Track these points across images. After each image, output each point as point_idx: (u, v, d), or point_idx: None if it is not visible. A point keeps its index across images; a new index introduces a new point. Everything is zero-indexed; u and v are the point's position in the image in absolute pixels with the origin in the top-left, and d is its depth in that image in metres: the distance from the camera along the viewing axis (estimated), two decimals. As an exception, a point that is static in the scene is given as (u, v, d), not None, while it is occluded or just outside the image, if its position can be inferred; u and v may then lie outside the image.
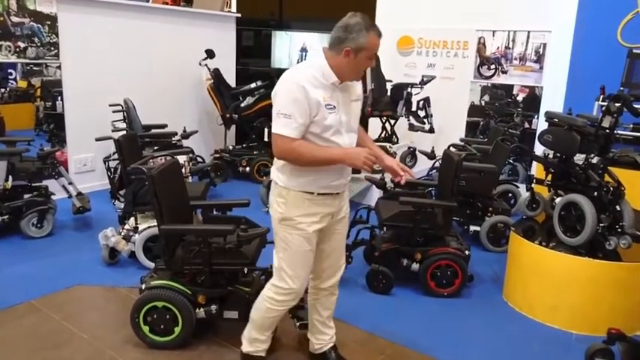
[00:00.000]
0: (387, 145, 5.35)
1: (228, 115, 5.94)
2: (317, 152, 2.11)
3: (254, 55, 7.10)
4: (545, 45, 5.35)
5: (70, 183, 4.35)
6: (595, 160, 3.07)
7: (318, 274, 2.42)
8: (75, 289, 3.30)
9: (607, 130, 3.02)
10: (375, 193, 4.85)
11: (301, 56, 7.37)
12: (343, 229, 2.40)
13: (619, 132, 3.89)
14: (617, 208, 2.96)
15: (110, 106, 4.93)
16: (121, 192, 4.11)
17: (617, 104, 2.97)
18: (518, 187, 4.87)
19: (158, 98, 5.75)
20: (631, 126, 4.18)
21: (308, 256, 2.27)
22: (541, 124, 4.98)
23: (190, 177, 4.92)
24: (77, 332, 2.81)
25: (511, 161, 5.39)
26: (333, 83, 2.10)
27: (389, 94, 5.40)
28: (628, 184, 3.01)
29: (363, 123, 6.12)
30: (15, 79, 4.73)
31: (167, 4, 5.97)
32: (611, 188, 2.98)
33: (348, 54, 2.04)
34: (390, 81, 5.49)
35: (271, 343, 2.68)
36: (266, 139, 5.73)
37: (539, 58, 5.41)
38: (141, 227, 3.57)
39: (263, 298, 2.35)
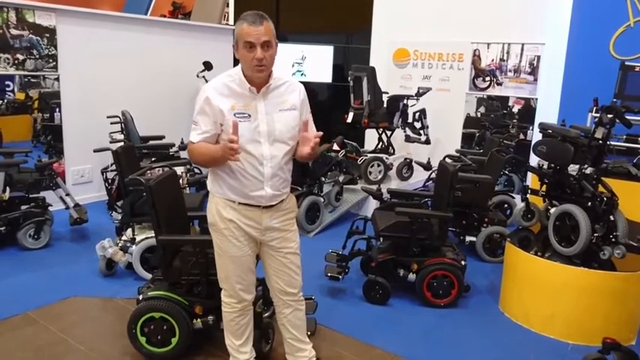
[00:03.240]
0: (384, 156, 5.39)
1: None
2: (202, 150, 2.15)
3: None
4: (539, 57, 5.42)
5: (68, 194, 4.36)
6: (589, 171, 3.10)
7: (273, 292, 2.42)
8: (72, 300, 3.30)
9: (600, 141, 3.06)
10: (372, 204, 4.87)
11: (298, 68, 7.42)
12: (289, 248, 2.32)
13: (612, 143, 3.94)
14: (611, 218, 2.98)
15: (108, 117, 4.96)
16: (119, 203, 4.13)
17: (610, 116, 3.01)
18: (513, 197, 4.90)
19: (156, 110, 5.78)
20: (624, 137, 4.21)
21: (239, 262, 2.28)
22: (536, 136, 5.02)
23: (188, 188, 4.93)
24: (74, 344, 2.80)
25: (506, 172, 5.42)
26: (250, 91, 2.11)
27: (385, 105, 5.45)
28: (621, 195, 3.04)
29: (360, 134, 6.21)
30: (13, 91, 4.76)
31: (165, 16, 6.03)
32: (605, 198, 3.00)
33: (235, 49, 2.11)
34: (387, 93, 5.54)
35: (268, 354, 2.70)
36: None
37: (534, 70, 5.47)
38: (138, 238, 3.57)
39: None
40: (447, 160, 4.42)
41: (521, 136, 5.57)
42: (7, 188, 3.94)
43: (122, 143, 4.56)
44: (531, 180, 4.21)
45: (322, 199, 4.76)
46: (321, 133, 2.14)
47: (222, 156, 2.05)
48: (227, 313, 2.40)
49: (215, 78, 2.20)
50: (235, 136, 2.01)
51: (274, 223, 2.26)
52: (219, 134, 2.16)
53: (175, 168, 3.66)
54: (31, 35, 4.74)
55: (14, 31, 4.64)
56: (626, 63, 4.53)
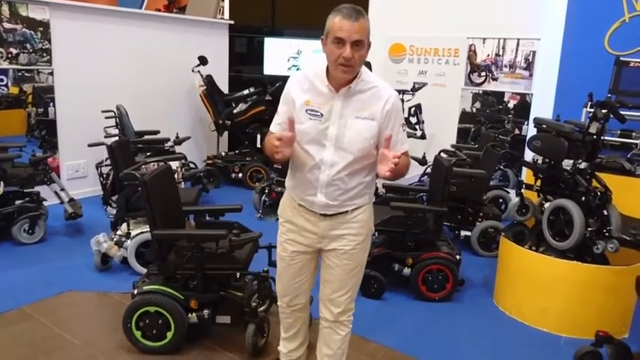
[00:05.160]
0: (379, 151, 5.39)
1: (220, 122, 5.96)
2: (267, 139, 1.99)
3: (247, 62, 7.13)
4: (534, 52, 5.43)
5: (62, 189, 4.34)
6: (583, 166, 3.11)
7: (321, 300, 2.23)
8: (67, 294, 3.29)
9: (594, 136, 3.07)
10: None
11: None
12: (341, 264, 2.10)
13: (606, 138, 3.96)
14: (605, 212, 3.00)
15: (102, 112, 4.94)
16: (114, 198, 4.12)
17: (604, 111, 3.02)
18: (508, 192, 4.92)
19: (151, 104, 5.76)
20: (618, 132, 4.23)
21: (286, 264, 2.17)
22: (531, 131, 5.04)
23: (183, 183, 4.93)
24: (69, 338, 2.80)
25: (501, 167, 5.44)
26: (329, 89, 1.94)
27: (381, 100, 5.44)
28: (615, 189, 3.06)
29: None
30: (6, 86, 4.72)
31: (160, 10, 5.99)
32: (599, 193, 3.02)
33: (323, 43, 1.92)
34: (382, 88, 5.53)
35: (264, 348, 2.71)
36: (258, 145, 5.75)
37: (529, 66, 5.49)
38: (133, 233, 3.57)
39: None
40: (442, 154, 4.42)
41: (517, 131, 5.59)
42: (2, 183, 3.92)
43: (117, 138, 4.56)
44: (526, 175, 4.23)
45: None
46: (399, 153, 1.83)
47: (268, 150, 1.92)
48: (279, 306, 2.31)
49: (302, 69, 2.08)
50: (289, 134, 1.87)
51: (332, 233, 2.06)
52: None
53: (170, 163, 3.66)
54: (24, 29, 4.70)
55: (7, 25, 4.60)
56: (621, 58, 4.55)
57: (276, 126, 2.06)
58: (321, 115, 1.94)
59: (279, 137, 1.85)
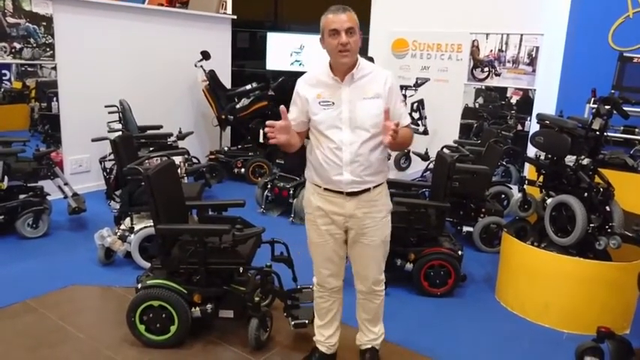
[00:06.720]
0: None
1: (223, 117, 5.97)
2: None
3: (249, 57, 7.13)
4: (537, 48, 5.41)
5: (66, 183, 4.36)
6: (585, 162, 3.11)
7: (354, 274, 2.46)
8: (71, 288, 3.31)
9: (597, 132, 3.07)
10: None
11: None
12: (366, 241, 2.32)
13: (609, 134, 3.96)
14: (607, 208, 3.00)
15: (106, 107, 4.94)
16: (117, 192, 4.13)
17: (607, 107, 3.02)
18: (510, 188, 4.92)
19: (154, 99, 5.77)
20: (621, 128, 4.23)
21: (322, 250, 2.36)
22: (534, 126, 5.03)
23: (186, 178, 4.94)
24: (73, 331, 2.82)
25: (504, 163, 5.44)
26: (335, 80, 2.19)
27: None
28: (617, 185, 3.06)
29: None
30: (9, 80, 4.73)
31: (163, 5, 5.98)
32: (601, 189, 3.02)
33: (322, 42, 2.19)
34: (385, 83, 5.53)
35: (267, 342, 2.72)
36: (261, 140, 5.75)
37: (532, 61, 5.47)
38: (137, 227, 3.59)
39: None
40: (445, 150, 4.43)
41: (519, 127, 5.58)
42: (5, 177, 3.94)
43: (120, 133, 4.56)
44: (528, 171, 4.23)
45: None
46: (397, 121, 2.09)
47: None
48: (315, 296, 2.51)
49: (309, 70, 2.31)
50: (282, 122, 2.10)
51: (358, 213, 2.27)
52: (309, 121, 2.27)
53: (173, 157, 3.67)
54: (27, 24, 4.70)
55: (11, 20, 4.61)
56: (625, 54, 4.53)
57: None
58: (333, 103, 2.19)
59: (270, 124, 2.10)
